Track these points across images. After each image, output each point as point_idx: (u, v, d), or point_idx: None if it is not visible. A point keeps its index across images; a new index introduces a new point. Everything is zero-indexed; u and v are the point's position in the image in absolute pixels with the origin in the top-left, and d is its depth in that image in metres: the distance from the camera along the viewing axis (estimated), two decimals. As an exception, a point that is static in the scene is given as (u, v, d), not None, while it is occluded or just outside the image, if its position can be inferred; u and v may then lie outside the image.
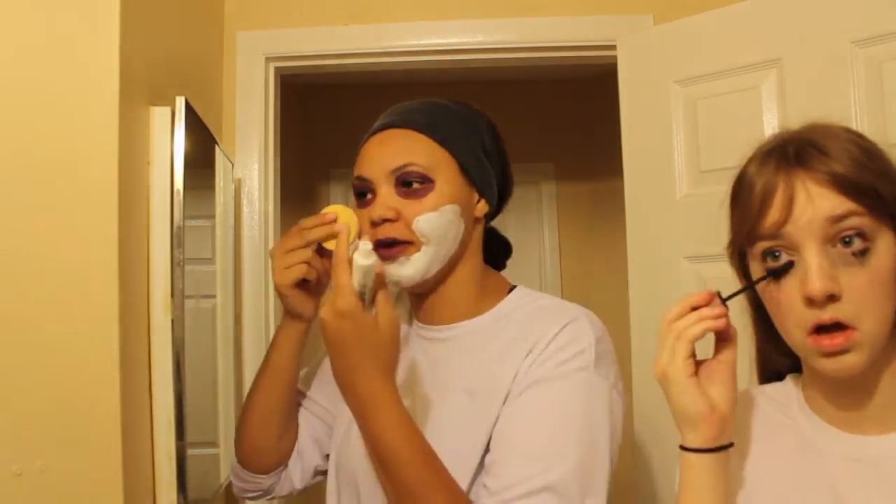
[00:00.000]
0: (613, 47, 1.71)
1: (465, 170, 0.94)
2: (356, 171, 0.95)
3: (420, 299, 0.99)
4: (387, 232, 0.90)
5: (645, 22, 1.75)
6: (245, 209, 1.78)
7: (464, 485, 0.84)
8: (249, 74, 1.80)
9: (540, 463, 0.80)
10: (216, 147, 1.53)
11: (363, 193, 0.93)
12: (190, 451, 1.22)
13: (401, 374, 0.95)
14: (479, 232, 0.98)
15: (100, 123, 1.07)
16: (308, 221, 0.92)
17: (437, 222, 0.90)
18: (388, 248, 0.90)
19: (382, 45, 1.81)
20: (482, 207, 0.96)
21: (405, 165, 0.90)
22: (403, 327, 0.99)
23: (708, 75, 1.53)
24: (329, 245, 0.91)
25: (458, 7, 1.82)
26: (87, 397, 1.05)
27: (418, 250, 0.90)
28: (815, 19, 1.39)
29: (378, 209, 0.90)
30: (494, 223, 1.05)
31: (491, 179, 0.97)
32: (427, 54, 1.84)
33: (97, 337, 1.05)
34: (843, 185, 0.66)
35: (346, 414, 0.94)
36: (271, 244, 1.80)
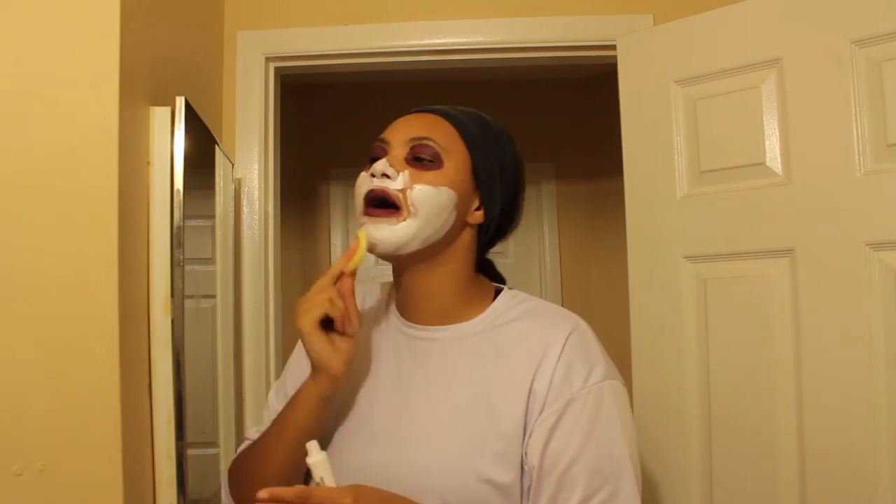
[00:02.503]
0: (613, 47, 1.71)
1: (476, 171, 0.96)
2: (379, 136, 0.98)
3: (404, 293, 0.99)
4: (382, 185, 0.91)
5: (645, 22, 1.75)
6: (245, 209, 1.78)
7: (468, 485, 0.86)
8: (249, 74, 1.80)
9: (606, 478, 0.86)
10: (216, 147, 1.53)
11: (376, 157, 0.95)
12: (190, 451, 1.22)
13: (390, 366, 0.97)
14: (468, 237, 0.98)
15: (100, 123, 1.07)
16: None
17: (431, 197, 0.91)
18: (375, 206, 0.92)
19: (382, 45, 1.81)
20: (478, 216, 0.97)
21: (424, 138, 0.93)
22: (382, 319, 1.02)
23: (708, 75, 1.53)
24: (351, 266, 0.91)
25: (458, 7, 1.82)
26: (87, 397, 1.05)
27: (403, 220, 0.90)
28: (815, 19, 1.39)
29: (380, 164, 0.92)
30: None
31: (496, 195, 0.98)
32: (427, 54, 1.84)
33: (97, 337, 1.05)
34: None
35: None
36: (271, 244, 1.80)
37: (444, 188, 0.92)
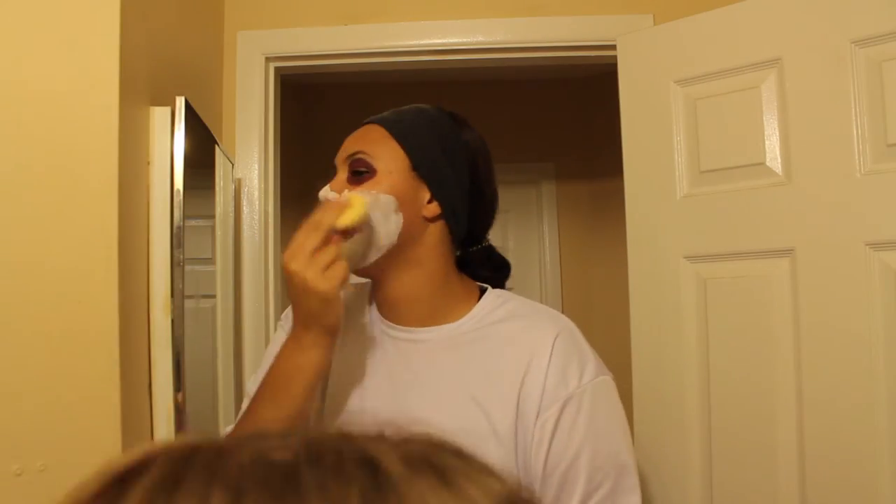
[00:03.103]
0: (613, 47, 1.71)
1: (415, 165, 0.95)
2: None
3: (383, 298, 0.99)
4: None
5: (645, 22, 1.75)
6: (245, 209, 1.78)
7: None
8: (249, 74, 1.80)
9: (606, 474, 0.87)
10: (216, 147, 1.53)
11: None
12: (190, 451, 1.22)
13: (378, 367, 0.97)
14: (435, 234, 0.97)
15: (100, 123, 1.07)
16: (312, 216, 0.88)
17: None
18: None
19: (382, 45, 1.81)
20: (432, 208, 0.96)
21: (356, 152, 0.96)
22: (365, 323, 1.01)
23: (708, 75, 1.53)
24: (342, 222, 0.88)
25: (458, 7, 1.82)
26: (87, 397, 1.05)
27: (351, 237, 0.90)
28: (815, 19, 1.39)
29: (322, 192, 0.95)
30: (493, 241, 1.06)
31: (447, 181, 0.96)
32: (427, 54, 1.84)
33: (97, 337, 1.05)
34: None
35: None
36: (271, 244, 1.80)
37: (375, 193, 0.92)
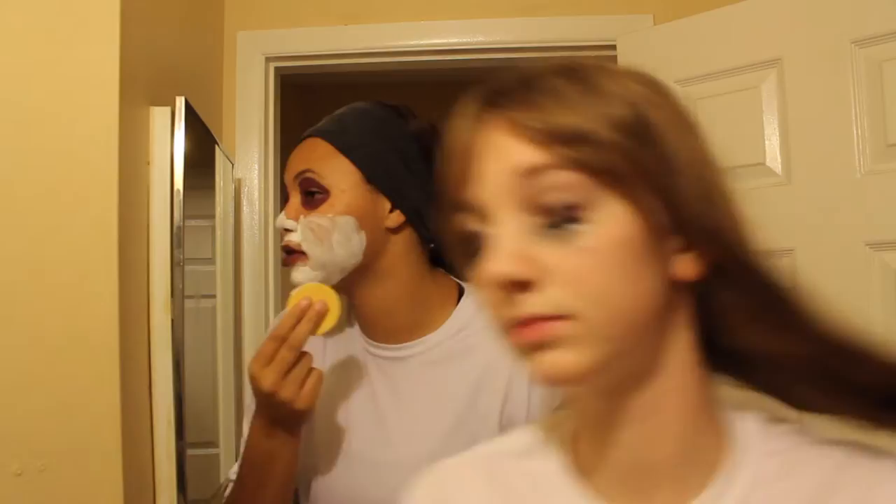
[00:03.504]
0: (613, 47, 1.71)
1: (369, 177, 0.90)
2: None
3: (362, 315, 0.96)
4: (286, 241, 0.90)
5: (645, 22, 1.75)
6: (245, 209, 1.78)
7: None
8: (249, 74, 1.80)
9: None
10: (216, 147, 1.53)
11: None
12: (190, 451, 1.22)
13: (362, 391, 0.94)
14: (402, 241, 0.92)
15: (100, 123, 1.07)
16: (284, 323, 0.84)
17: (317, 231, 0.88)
18: (288, 254, 0.90)
19: (382, 45, 1.81)
20: (395, 217, 0.91)
21: (302, 172, 0.91)
22: (347, 342, 0.98)
23: (708, 75, 1.53)
24: (321, 331, 0.86)
25: (458, 7, 1.82)
26: (87, 397, 1.05)
27: (311, 262, 0.88)
28: (815, 19, 1.39)
29: (280, 220, 0.91)
30: None
31: (407, 184, 0.92)
32: (427, 54, 1.83)
33: (97, 337, 1.05)
34: (534, 130, 0.46)
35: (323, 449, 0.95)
36: (271, 244, 1.80)
37: (333, 218, 0.88)
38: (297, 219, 0.90)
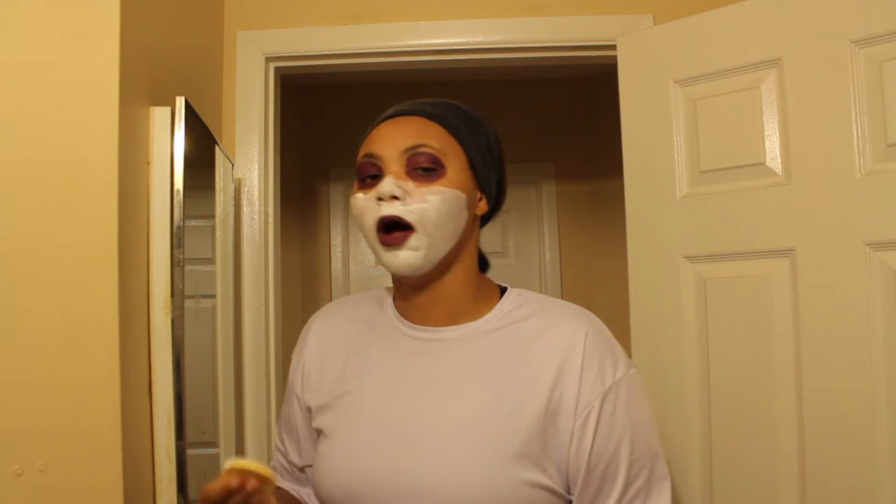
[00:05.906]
0: (613, 47, 1.71)
1: (472, 164, 0.94)
2: (364, 150, 0.93)
3: (413, 296, 0.95)
4: (392, 210, 0.87)
5: (645, 22, 1.75)
6: (245, 209, 1.78)
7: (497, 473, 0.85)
8: (249, 74, 1.80)
9: (643, 465, 0.89)
10: (216, 147, 1.53)
11: (370, 175, 0.91)
12: (190, 451, 1.22)
13: (395, 367, 0.94)
14: (477, 230, 0.98)
15: (100, 123, 1.07)
16: (213, 494, 0.82)
17: (444, 207, 0.88)
18: (388, 232, 0.88)
19: (382, 45, 1.81)
20: (483, 206, 0.96)
21: (419, 146, 0.89)
22: (379, 322, 0.99)
23: (708, 75, 1.53)
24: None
25: (458, 7, 1.82)
26: (86, 397, 1.05)
27: (418, 237, 0.88)
28: (815, 19, 1.39)
29: (387, 185, 0.87)
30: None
31: (492, 181, 0.97)
32: (427, 54, 1.84)
33: (97, 337, 1.05)
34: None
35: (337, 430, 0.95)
36: (271, 244, 1.80)
37: (452, 192, 0.89)
38: (404, 189, 0.88)
